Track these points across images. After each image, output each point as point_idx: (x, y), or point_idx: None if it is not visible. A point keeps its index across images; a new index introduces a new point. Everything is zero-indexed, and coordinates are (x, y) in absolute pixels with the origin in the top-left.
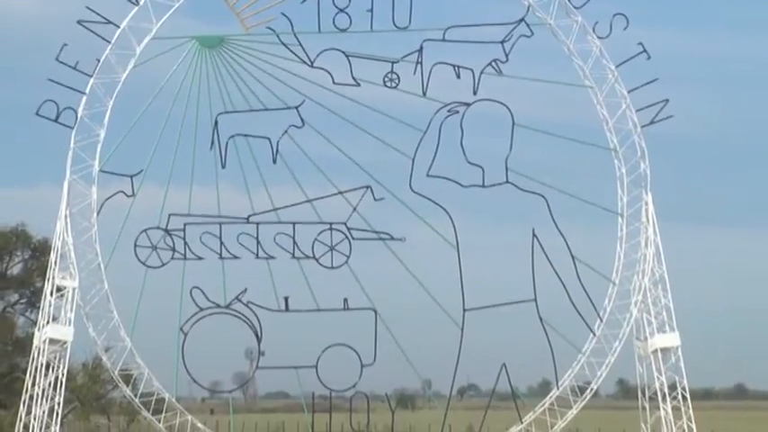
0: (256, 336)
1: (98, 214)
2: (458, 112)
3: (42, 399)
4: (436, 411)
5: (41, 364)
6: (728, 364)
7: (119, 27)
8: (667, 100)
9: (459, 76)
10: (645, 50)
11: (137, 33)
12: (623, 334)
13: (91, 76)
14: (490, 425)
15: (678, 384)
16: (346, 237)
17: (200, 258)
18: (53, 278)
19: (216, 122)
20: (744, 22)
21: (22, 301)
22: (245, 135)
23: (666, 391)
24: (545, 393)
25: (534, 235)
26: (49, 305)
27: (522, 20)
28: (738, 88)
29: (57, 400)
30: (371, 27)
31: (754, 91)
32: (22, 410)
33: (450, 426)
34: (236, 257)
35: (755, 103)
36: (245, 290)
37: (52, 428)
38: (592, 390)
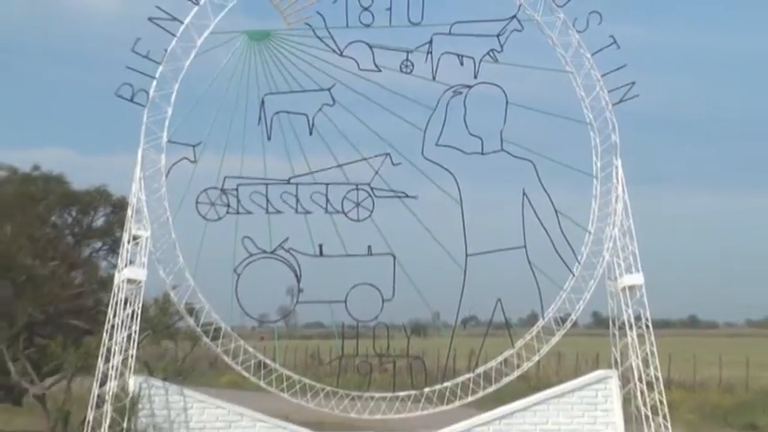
0: (296, 276)
1: (166, 177)
2: (461, 92)
3: (121, 328)
4: (444, 338)
5: (120, 300)
6: (683, 299)
7: (182, 23)
8: (633, 82)
9: (462, 64)
10: (615, 42)
11: (197, 28)
12: (597, 275)
13: (160, 64)
14: (488, 349)
15: (642, 316)
16: (369, 195)
17: (249, 213)
18: (130, 229)
19: (263, 102)
20: (701, 18)
21: (104, 248)
22: (287, 112)
23: (632, 321)
24: (533, 323)
25: (524, 194)
26: (127, 251)
27: (514, 17)
28: (695, 73)
29: (133, 328)
30: (390, 23)
31: (710, 75)
32: (105, 337)
33: (455, 349)
34: (279, 212)
35: (710, 86)
36: (287, 239)
37: (130, 351)
38: (571, 320)
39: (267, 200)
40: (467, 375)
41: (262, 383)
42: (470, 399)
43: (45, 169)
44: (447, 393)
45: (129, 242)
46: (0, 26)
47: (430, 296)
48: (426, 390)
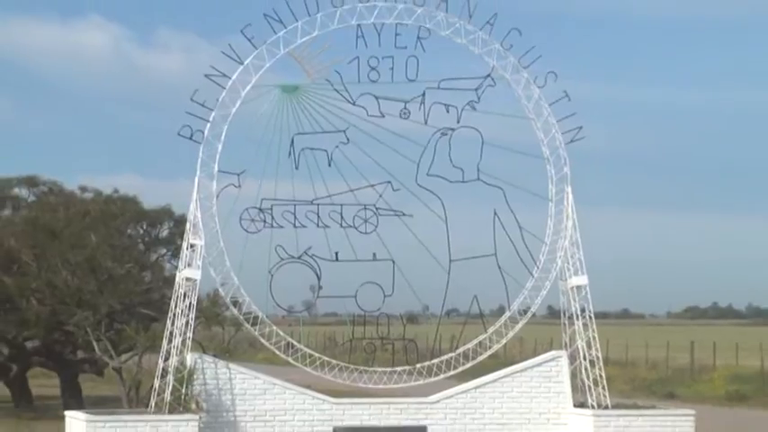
0: (317, 276)
1: (216, 198)
2: (447, 134)
3: (181, 316)
4: (432, 325)
5: (180, 294)
6: (618, 296)
7: (230, 79)
8: (581, 126)
9: (448, 111)
10: (567, 95)
11: (242, 83)
12: (551, 277)
13: (212, 110)
14: (466, 334)
15: (586, 309)
16: (375, 214)
17: (281, 227)
18: (188, 239)
19: (292, 140)
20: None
21: (168, 253)
22: (311, 148)
23: (579, 313)
24: (501, 314)
25: (495, 213)
26: (185, 256)
27: (488, 75)
28: (635, 118)
29: (190, 316)
30: (392, 79)
31: (643, 118)
32: (168, 323)
33: (441, 334)
34: (304, 226)
35: (644, 127)
36: (310, 247)
37: (187, 334)
38: (531, 312)
39: (295, 217)
40: (450, 354)
41: (290, 360)
42: (452, 372)
43: (122, 192)
44: (434, 368)
45: (187, 249)
46: (91, 78)
47: (421, 293)
48: (418, 365)
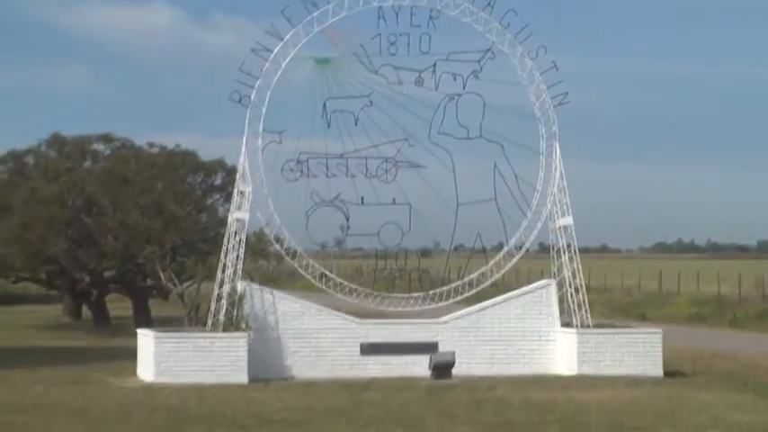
0: (346, 217)
1: (262, 152)
2: (454, 98)
3: (232, 250)
4: (442, 259)
5: (232, 232)
6: (598, 233)
7: (272, 52)
8: (567, 92)
9: (455, 80)
10: (555, 66)
11: (282, 55)
12: (543, 218)
13: (258, 78)
14: (470, 266)
15: (571, 244)
16: (394, 165)
17: (315, 177)
18: (238, 186)
19: (324, 104)
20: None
21: (221, 198)
22: (341, 110)
23: (565, 248)
24: (500, 249)
25: (495, 165)
26: (236, 200)
27: (489, 49)
28: (612, 84)
29: (240, 251)
30: (408, 52)
31: (622, 86)
32: (222, 256)
33: (449, 266)
34: (335, 176)
35: (625, 93)
36: (340, 193)
37: (237, 266)
38: (525, 248)
39: (327, 168)
40: (457, 283)
41: (323, 287)
42: (459, 298)
43: (183, 147)
44: (444, 294)
45: (237, 194)
46: (156, 52)
47: (433, 231)
48: (431, 292)
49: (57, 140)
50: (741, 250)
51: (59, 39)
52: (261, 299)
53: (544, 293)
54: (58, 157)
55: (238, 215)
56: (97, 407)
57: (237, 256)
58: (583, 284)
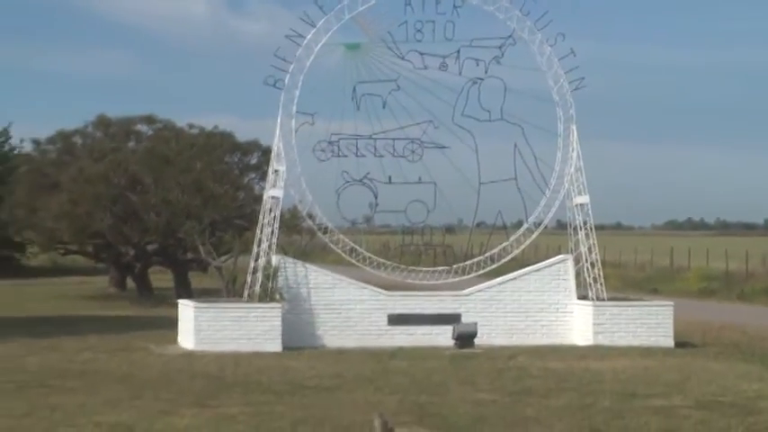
0: (374, 195)
1: (295, 133)
2: (476, 82)
3: (267, 226)
4: (465, 235)
5: (267, 209)
6: (613, 211)
7: (305, 38)
8: (584, 77)
9: (477, 65)
10: (573, 52)
11: (314, 42)
12: (560, 196)
13: (291, 63)
14: (491, 241)
15: (587, 222)
16: (420, 146)
17: (345, 156)
18: (273, 165)
19: (354, 88)
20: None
21: (256, 177)
22: (369, 94)
23: (582, 225)
24: (520, 226)
25: (515, 146)
26: (271, 179)
27: (510, 36)
28: (624, 71)
29: (274, 226)
30: (433, 39)
31: (635, 72)
32: (258, 231)
33: (472, 242)
34: (363, 156)
35: (637, 80)
36: (369, 172)
37: (272, 240)
38: (544, 224)
39: (357, 148)
40: (479, 258)
41: (353, 261)
42: (481, 272)
43: (221, 128)
44: (467, 268)
45: (272, 173)
46: (195, 38)
47: (456, 208)
48: (454, 266)
49: (102, 122)
50: (748, 228)
51: (104, 26)
52: (294, 272)
53: (561, 268)
54: (103, 137)
55: (273, 193)
56: (140, 373)
57: (272, 232)
58: (598, 260)
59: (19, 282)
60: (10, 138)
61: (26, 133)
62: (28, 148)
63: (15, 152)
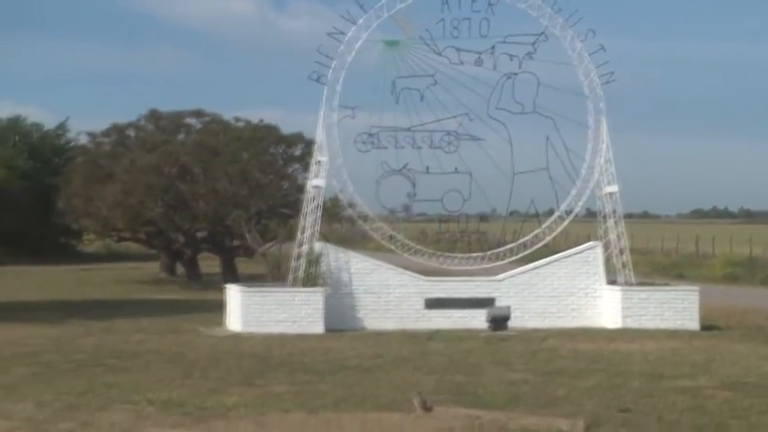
0: (412, 185)
1: (337, 126)
2: (510, 77)
3: (310, 214)
4: (498, 223)
5: (310, 198)
6: (640, 200)
7: (346, 35)
8: (613, 71)
9: (511, 60)
10: (603, 47)
11: (355, 39)
12: (590, 186)
13: (333, 59)
14: (524, 229)
15: (616, 210)
16: (456, 138)
17: (385, 148)
18: (315, 157)
19: (393, 82)
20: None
21: (300, 168)
22: (408, 88)
23: (611, 214)
24: (551, 215)
25: (547, 138)
26: (314, 169)
27: (542, 33)
28: (655, 65)
29: (317, 214)
30: (469, 35)
31: (666, 67)
32: (301, 219)
33: (505, 230)
34: (402, 147)
35: (668, 74)
36: (407, 163)
37: (315, 228)
38: (575, 213)
39: (396, 140)
40: (512, 244)
41: (392, 247)
42: (514, 258)
43: (266, 121)
44: (500, 255)
45: (315, 164)
46: (241, 36)
47: (491, 197)
48: (488, 252)
49: (154, 116)
50: None
51: (155, 25)
52: (336, 258)
53: (591, 254)
54: (155, 130)
55: (316, 182)
56: (190, 353)
57: (315, 220)
58: (627, 246)
59: (76, 267)
60: (67, 131)
61: (82, 127)
62: (84, 140)
63: (72, 145)
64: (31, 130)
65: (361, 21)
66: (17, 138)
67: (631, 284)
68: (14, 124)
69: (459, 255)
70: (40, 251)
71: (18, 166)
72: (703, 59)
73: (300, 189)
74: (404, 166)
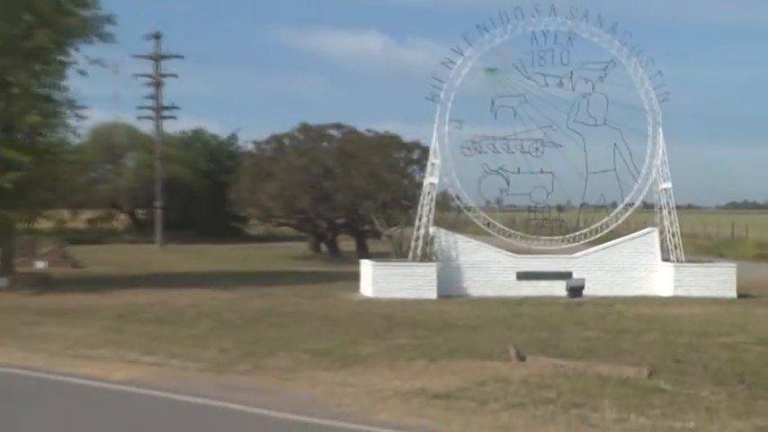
0: (506, 182)
1: (447, 135)
2: (585, 96)
3: (426, 205)
4: (574, 212)
5: (426, 192)
6: (685, 194)
7: (456, 64)
8: (668, 92)
9: (586, 83)
10: (660, 73)
11: (463, 66)
12: (649, 183)
13: (444, 83)
14: (594, 218)
15: (669, 202)
16: (542, 145)
17: (485, 153)
18: (431, 159)
19: (492, 101)
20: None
21: (418, 169)
22: (504, 105)
23: (665, 205)
24: (616, 206)
25: (615, 145)
26: (429, 170)
27: (611, 61)
28: (707, 88)
29: (431, 205)
30: (552, 63)
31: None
32: (419, 209)
33: (580, 218)
34: (499, 152)
35: (710, 94)
36: (503, 165)
37: (430, 216)
38: (636, 205)
39: (494, 146)
40: (585, 230)
41: (490, 232)
42: (587, 240)
43: (391, 132)
44: (576, 238)
45: (430, 165)
46: (374, 65)
47: (568, 192)
48: (566, 236)
49: (304, 128)
50: None
51: (306, 57)
52: (446, 239)
53: (649, 237)
54: (305, 139)
55: (430, 180)
56: (334, 313)
57: (430, 209)
58: (677, 231)
59: (243, 246)
60: (237, 140)
61: (249, 137)
62: (250, 147)
63: (241, 150)
64: (210, 139)
65: (467, 53)
66: (199, 146)
67: (681, 261)
68: (197, 135)
69: (543, 237)
70: (216, 233)
71: (200, 168)
72: (740, 79)
73: (418, 185)
74: (500, 168)
